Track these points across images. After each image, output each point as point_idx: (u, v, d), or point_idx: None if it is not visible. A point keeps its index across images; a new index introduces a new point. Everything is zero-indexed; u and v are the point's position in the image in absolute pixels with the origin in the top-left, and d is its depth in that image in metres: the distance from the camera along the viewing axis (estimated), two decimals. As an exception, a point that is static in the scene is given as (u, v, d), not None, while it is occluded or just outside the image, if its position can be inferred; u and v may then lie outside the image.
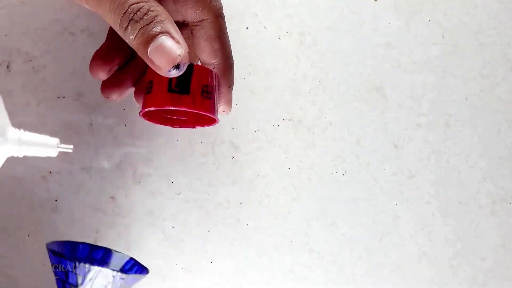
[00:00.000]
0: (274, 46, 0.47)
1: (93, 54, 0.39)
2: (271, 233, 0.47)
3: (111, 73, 0.40)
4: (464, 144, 0.48)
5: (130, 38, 0.33)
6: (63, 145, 0.33)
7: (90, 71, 0.39)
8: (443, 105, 0.48)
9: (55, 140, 0.32)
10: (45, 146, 0.32)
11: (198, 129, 0.46)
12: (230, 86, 0.40)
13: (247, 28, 0.46)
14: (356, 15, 0.47)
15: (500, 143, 0.48)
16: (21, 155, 0.32)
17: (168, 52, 0.33)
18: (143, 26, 0.32)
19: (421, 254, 0.48)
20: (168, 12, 0.34)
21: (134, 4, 0.32)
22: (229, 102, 0.40)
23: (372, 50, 0.47)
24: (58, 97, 0.45)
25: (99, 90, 0.45)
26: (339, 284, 0.47)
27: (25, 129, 0.44)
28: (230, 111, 0.41)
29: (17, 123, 0.44)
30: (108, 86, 0.40)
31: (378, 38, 0.47)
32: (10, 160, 0.44)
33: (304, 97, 0.47)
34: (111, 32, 0.40)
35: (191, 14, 0.37)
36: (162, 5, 0.34)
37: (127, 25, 0.32)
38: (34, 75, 0.44)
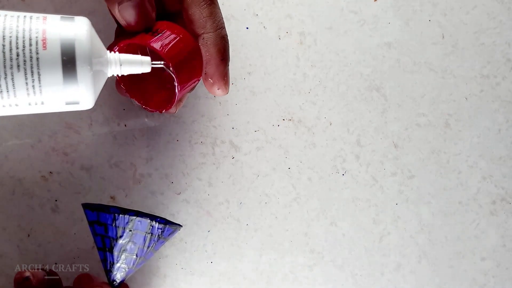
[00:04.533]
0: (274, 46, 0.47)
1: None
2: (271, 233, 0.47)
3: None
4: (464, 144, 0.48)
5: None
6: (155, 62, 0.35)
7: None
8: (443, 105, 0.48)
9: (147, 58, 0.35)
10: (141, 64, 0.34)
11: (198, 129, 0.46)
12: (223, 59, 0.37)
13: (247, 28, 0.46)
14: (356, 15, 0.47)
15: (500, 143, 0.48)
16: (120, 74, 0.34)
17: (139, 15, 0.34)
18: None
19: (421, 254, 0.48)
20: None
21: None
22: (223, 78, 0.37)
23: (372, 50, 0.47)
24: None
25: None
26: (339, 284, 0.47)
27: (25, 127, 0.44)
28: (227, 90, 0.38)
29: (17, 123, 0.44)
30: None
31: (378, 38, 0.47)
32: (10, 160, 0.44)
33: (304, 97, 0.47)
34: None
35: None
36: None
37: None
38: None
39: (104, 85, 0.45)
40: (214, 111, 0.46)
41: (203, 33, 0.37)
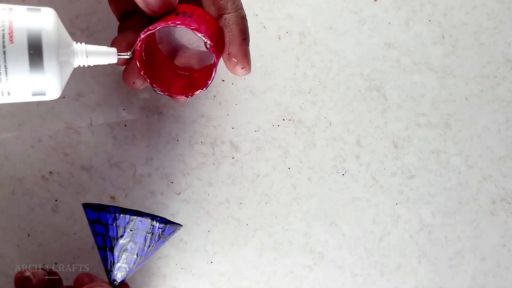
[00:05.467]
0: (274, 46, 0.47)
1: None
2: (271, 233, 0.47)
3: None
4: (464, 144, 0.48)
5: None
6: (121, 53, 0.36)
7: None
8: (443, 105, 0.48)
9: (114, 49, 0.35)
10: (107, 55, 0.35)
11: (198, 129, 0.46)
12: (245, 38, 0.38)
13: (247, 28, 0.46)
14: (356, 15, 0.47)
15: (500, 143, 0.48)
16: (86, 65, 0.34)
17: None
18: None
19: (421, 254, 0.48)
20: None
21: None
22: (246, 56, 0.38)
23: (372, 50, 0.47)
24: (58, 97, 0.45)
25: (99, 90, 0.45)
26: (339, 284, 0.47)
27: (25, 127, 0.44)
28: (250, 69, 0.38)
29: (17, 123, 0.44)
30: (131, 72, 0.39)
31: (378, 38, 0.47)
32: (10, 160, 0.44)
33: (304, 97, 0.47)
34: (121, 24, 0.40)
35: None
36: None
37: None
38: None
39: (104, 85, 0.45)
40: (214, 111, 0.46)
41: (223, 14, 0.37)
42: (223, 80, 0.46)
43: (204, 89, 0.38)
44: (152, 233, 0.39)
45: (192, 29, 0.35)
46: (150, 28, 0.36)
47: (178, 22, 0.35)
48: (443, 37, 0.48)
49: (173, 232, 0.41)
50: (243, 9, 0.38)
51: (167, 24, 0.35)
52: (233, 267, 0.47)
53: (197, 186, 0.46)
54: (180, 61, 0.41)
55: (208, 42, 0.36)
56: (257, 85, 0.47)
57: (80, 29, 0.45)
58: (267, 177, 0.47)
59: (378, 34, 0.47)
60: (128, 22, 0.39)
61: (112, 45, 0.38)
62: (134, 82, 0.39)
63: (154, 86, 0.39)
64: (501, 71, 0.48)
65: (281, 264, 0.47)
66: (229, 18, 0.37)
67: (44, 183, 0.45)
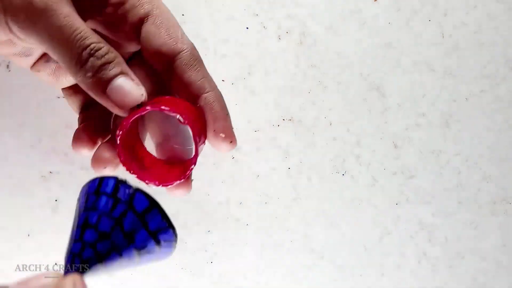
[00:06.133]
0: (274, 46, 0.47)
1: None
2: (271, 233, 0.47)
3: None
4: (464, 144, 0.48)
5: (87, 75, 0.32)
6: None
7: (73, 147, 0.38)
8: (443, 105, 0.48)
9: None
10: None
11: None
12: (227, 114, 0.38)
13: (247, 28, 0.46)
14: (356, 15, 0.47)
15: (500, 143, 0.48)
16: None
17: (130, 91, 0.33)
18: (103, 65, 0.33)
19: (421, 254, 0.48)
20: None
21: (95, 43, 0.33)
22: (232, 130, 0.38)
23: (372, 50, 0.47)
24: (58, 97, 0.45)
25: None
26: (339, 284, 0.47)
27: (25, 127, 0.44)
28: (236, 142, 0.39)
29: (17, 123, 0.44)
30: (100, 158, 0.38)
31: (378, 38, 0.47)
32: (10, 160, 0.44)
33: (304, 97, 0.47)
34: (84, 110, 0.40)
35: (167, 46, 0.36)
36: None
37: (86, 62, 0.32)
38: (34, 75, 0.44)
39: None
40: (214, 111, 0.46)
41: (203, 94, 0.37)
42: (223, 80, 0.46)
43: (192, 167, 0.36)
44: (119, 199, 0.30)
45: (161, 110, 0.34)
46: (123, 124, 0.34)
47: (148, 108, 0.33)
48: (443, 37, 0.48)
49: (149, 210, 0.30)
50: (217, 86, 0.38)
51: (139, 113, 0.34)
52: (233, 267, 0.47)
53: (197, 186, 0.46)
54: (162, 155, 0.40)
55: (179, 116, 0.34)
56: (257, 85, 0.47)
57: (80, 29, 0.45)
58: (267, 177, 0.47)
59: (378, 34, 0.47)
60: (90, 111, 0.39)
61: (75, 139, 0.38)
62: (105, 168, 0.38)
63: (147, 183, 0.37)
64: (501, 71, 0.48)
65: (281, 264, 0.47)
66: (209, 96, 0.37)
67: (44, 183, 0.45)
